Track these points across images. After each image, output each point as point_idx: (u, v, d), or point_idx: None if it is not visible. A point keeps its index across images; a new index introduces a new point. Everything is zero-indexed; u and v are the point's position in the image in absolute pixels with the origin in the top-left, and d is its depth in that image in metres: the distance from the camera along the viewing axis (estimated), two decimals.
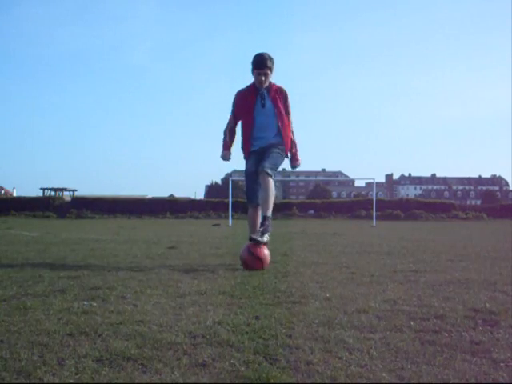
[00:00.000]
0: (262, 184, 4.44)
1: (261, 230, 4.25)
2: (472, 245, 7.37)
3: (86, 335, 2.02)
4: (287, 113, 4.66)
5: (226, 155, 4.82)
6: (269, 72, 4.49)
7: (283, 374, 1.61)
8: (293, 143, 4.76)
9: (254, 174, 4.54)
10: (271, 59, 4.49)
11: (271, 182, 4.39)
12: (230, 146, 4.83)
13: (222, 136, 4.82)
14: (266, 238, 4.23)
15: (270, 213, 4.36)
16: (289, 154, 4.77)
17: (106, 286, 3.17)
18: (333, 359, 1.76)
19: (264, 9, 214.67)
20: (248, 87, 4.65)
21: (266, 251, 4.22)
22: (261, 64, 4.46)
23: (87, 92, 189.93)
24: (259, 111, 4.60)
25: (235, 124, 4.81)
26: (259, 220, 4.44)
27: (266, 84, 4.54)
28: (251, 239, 4.17)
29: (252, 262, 4.12)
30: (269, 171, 4.38)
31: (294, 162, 4.84)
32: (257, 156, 4.60)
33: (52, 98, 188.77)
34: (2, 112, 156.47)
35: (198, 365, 1.69)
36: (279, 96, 4.61)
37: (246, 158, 4.76)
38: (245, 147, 4.72)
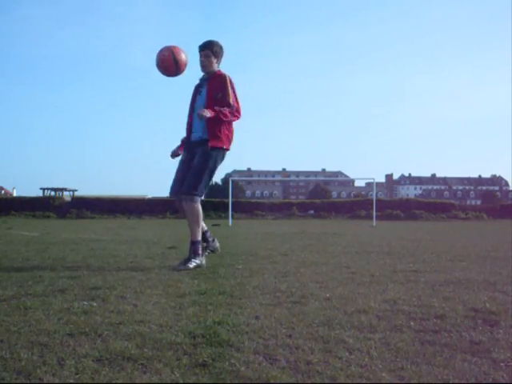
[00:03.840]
0: (184, 209, 4.23)
1: (187, 257, 4.12)
2: (472, 245, 7.36)
3: (86, 335, 2.02)
4: (223, 97, 4.21)
5: (173, 151, 4.56)
6: (210, 53, 4.31)
7: (283, 374, 1.61)
8: (219, 112, 4.13)
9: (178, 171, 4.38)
10: (218, 45, 4.36)
11: (191, 206, 4.17)
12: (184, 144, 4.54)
13: None
14: (193, 263, 4.05)
15: (197, 237, 4.19)
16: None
17: (106, 285, 3.17)
18: (333, 359, 1.76)
19: (264, 9, 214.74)
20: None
21: (183, 56, 4.19)
22: (202, 45, 4.34)
23: (87, 92, 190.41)
24: (197, 99, 4.39)
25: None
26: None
27: (209, 69, 4.35)
28: (175, 269, 3.96)
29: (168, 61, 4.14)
30: (187, 197, 4.18)
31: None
32: (187, 151, 4.39)
33: (52, 98, 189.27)
34: (2, 112, 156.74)
35: (198, 365, 1.69)
36: (215, 81, 4.31)
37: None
38: (186, 137, 4.47)
